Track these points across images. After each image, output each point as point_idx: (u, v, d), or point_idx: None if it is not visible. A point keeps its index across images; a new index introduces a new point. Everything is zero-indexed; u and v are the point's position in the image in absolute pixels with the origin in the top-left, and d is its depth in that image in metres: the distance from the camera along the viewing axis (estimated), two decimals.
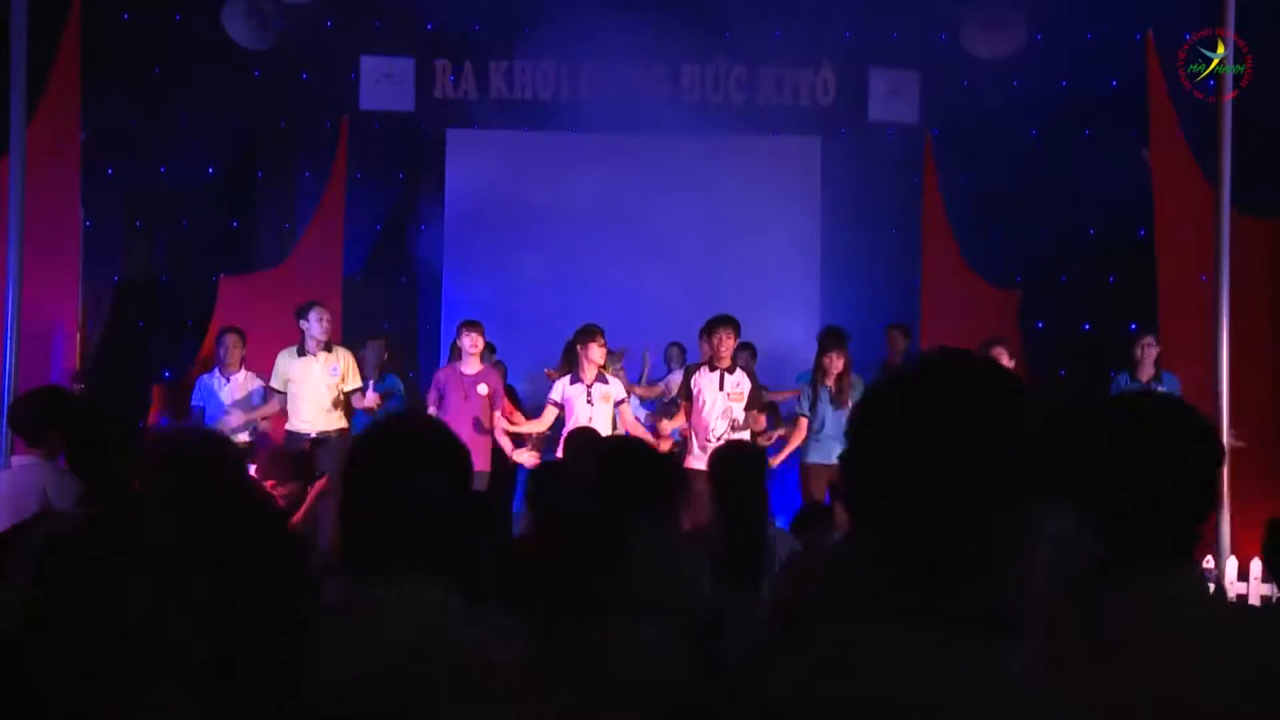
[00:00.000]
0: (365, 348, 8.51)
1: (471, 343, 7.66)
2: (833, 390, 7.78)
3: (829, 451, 7.67)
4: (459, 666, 1.66)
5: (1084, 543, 1.73)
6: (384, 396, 7.99)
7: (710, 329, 7.44)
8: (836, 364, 7.77)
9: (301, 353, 7.63)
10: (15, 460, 4.30)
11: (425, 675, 1.65)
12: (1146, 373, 7.67)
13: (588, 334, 7.38)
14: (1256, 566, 6.63)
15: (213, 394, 8.02)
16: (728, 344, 7.38)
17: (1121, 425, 1.77)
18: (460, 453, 1.83)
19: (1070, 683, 1.65)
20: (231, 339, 8.06)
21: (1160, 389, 7.48)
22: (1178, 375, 7.60)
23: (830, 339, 8.02)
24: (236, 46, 9.58)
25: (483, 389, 7.62)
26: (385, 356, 8.75)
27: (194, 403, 8.08)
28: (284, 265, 9.56)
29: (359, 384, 7.69)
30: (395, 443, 1.83)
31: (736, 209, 10.12)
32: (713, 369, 7.42)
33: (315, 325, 7.58)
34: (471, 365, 7.71)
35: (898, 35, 10.18)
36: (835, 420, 7.81)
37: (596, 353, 7.33)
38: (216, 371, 8.11)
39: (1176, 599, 1.68)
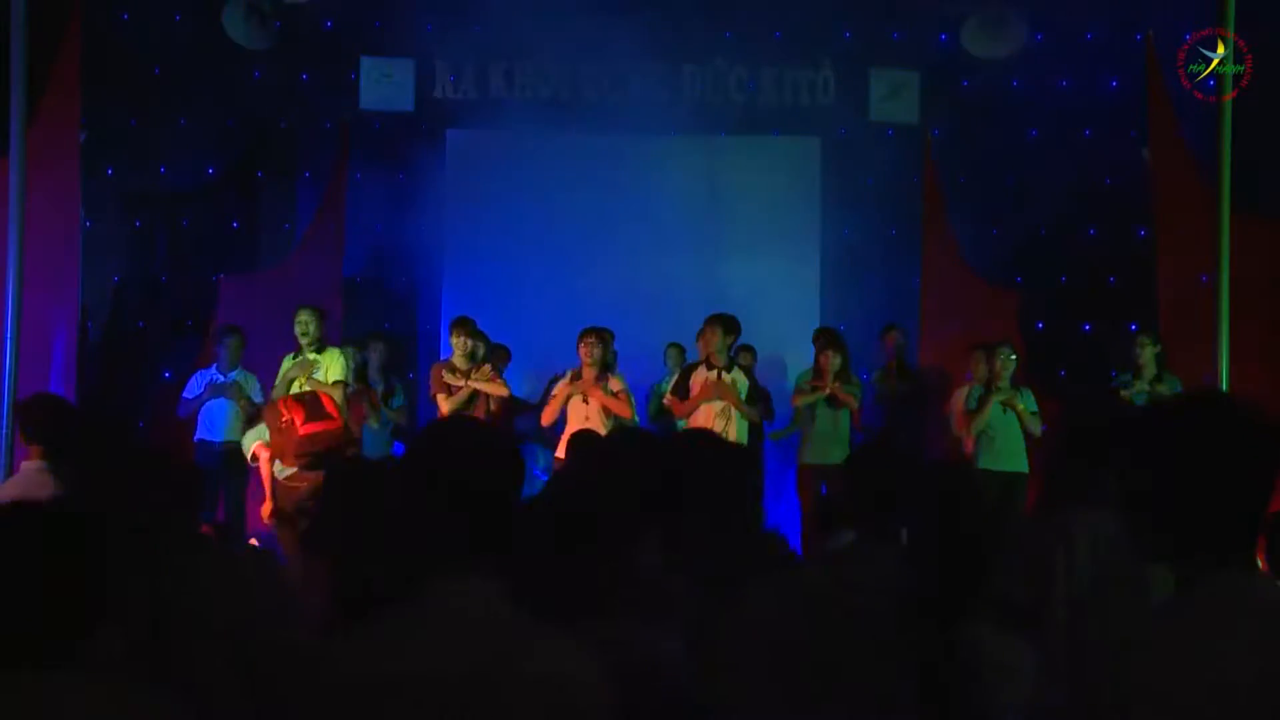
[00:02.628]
0: (369, 348, 8.53)
1: (460, 344, 7.63)
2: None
3: (824, 452, 7.68)
4: (529, 669, 1.69)
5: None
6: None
7: (704, 326, 7.44)
8: (834, 362, 7.80)
9: (299, 355, 7.59)
10: (24, 465, 4.31)
11: (493, 675, 1.67)
12: (1148, 374, 7.62)
13: (579, 336, 7.45)
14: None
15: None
16: (713, 340, 7.34)
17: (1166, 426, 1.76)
18: (515, 452, 1.90)
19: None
20: (234, 340, 8.09)
21: (1163, 390, 7.48)
22: (1179, 378, 7.59)
23: (824, 339, 8.05)
24: (236, 46, 9.58)
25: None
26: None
27: (186, 394, 8.08)
28: (284, 265, 9.56)
29: (339, 377, 7.53)
30: (453, 440, 1.89)
31: (736, 209, 10.11)
32: (710, 368, 7.37)
33: (297, 327, 7.55)
34: (463, 364, 7.66)
35: (898, 35, 10.18)
36: (831, 420, 7.82)
37: (582, 352, 7.36)
38: (215, 368, 8.13)
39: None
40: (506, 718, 1.67)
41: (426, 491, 1.80)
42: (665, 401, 7.68)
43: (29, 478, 4.21)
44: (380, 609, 1.78)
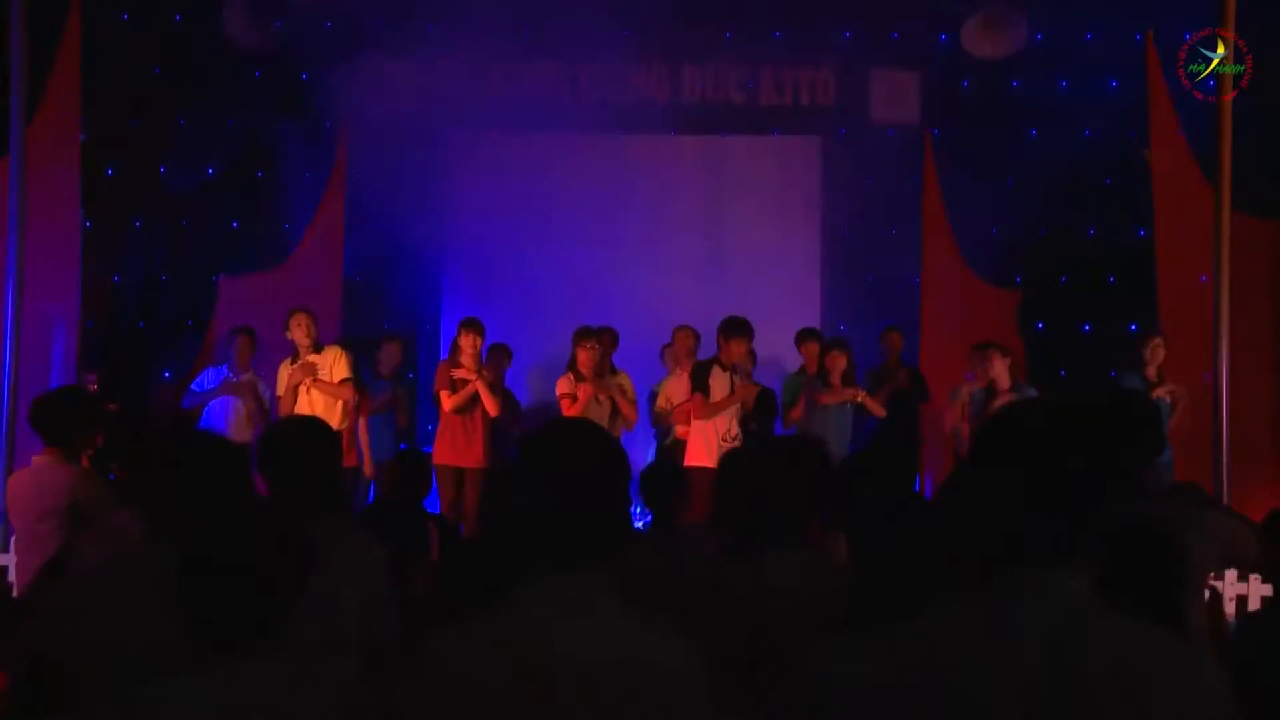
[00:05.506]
0: (381, 349, 8.54)
1: (470, 344, 7.55)
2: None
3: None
4: (635, 666, 1.73)
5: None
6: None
7: (729, 332, 7.19)
8: (839, 363, 7.79)
9: (296, 359, 7.50)
10: (35, 459, 4.32)
11: (597, 671, 1.71)
12: (1153, 373, 7.60)
13: (575, 337, 7.40)
14: None
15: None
16: (742, 348, 7.24)
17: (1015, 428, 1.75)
18: (621, 454, 1.92)
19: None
20: (243, 340, 7.97)
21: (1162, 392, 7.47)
22: (1172, 379, 7.59)
23: (830, 341, 8.05)
24: (236, 46, 9.58)
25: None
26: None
27: (196, 387, 7.99)
28: (284, 265, 9.56)
29: (346, 375, 7.48)
30: (563, 443, 1.92)
31: (736, 209, 10.11)
32: (724, 368, 7.28)
33: (295, 331, 7.47)
34: (471, 365, 7.56)
35: (898, 35, 10.18)
36: (838, 421, 7.81)
37: (581, 356, 7.31)
38: (225, 368, 8.04)
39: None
40: (616, 708, 1.71)
41: (542, 491, 1.83)
42: (686, 403, 7.48)
43: (41, 472, 4.23)
44: (486, 606, 1.82)
